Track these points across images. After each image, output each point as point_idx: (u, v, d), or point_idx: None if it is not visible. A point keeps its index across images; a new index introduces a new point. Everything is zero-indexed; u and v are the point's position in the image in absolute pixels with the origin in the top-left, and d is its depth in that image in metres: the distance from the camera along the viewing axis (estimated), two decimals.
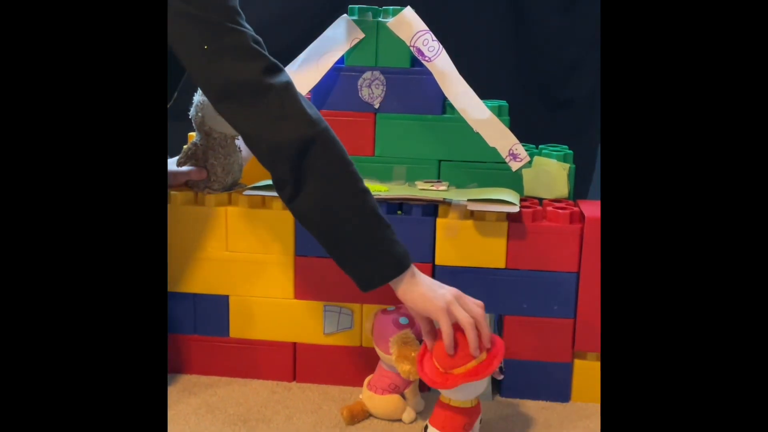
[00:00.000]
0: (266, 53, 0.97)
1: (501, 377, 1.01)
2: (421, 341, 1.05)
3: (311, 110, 0.97)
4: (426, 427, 1.01)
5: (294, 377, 1.22)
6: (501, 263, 1.14)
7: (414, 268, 0.99)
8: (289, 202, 0.98)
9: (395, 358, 1.04)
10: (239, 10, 0.97)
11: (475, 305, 0.98)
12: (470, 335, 0.95)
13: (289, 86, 0.97)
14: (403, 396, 1.10)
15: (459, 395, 0.99)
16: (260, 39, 0.97)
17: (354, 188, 0.97)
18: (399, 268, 0.98)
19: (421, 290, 0.98)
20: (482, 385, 0.99)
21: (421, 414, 1.11)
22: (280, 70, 0.97)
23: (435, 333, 1.00)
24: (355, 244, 0.97)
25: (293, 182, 0.95)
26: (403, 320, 1.08)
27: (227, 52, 0.94)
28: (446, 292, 0.98)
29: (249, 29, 0.97)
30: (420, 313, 0.99)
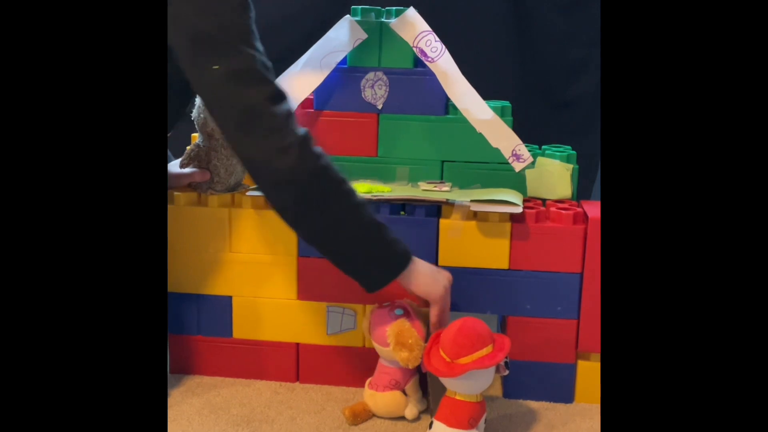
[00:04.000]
0: (273, 79, 0.97)
1: (506, 372, 1.02)
2: (427, 337, 1.05)
3: (309, 140, 0.98)
4: (431, 424, 1.01)
5: (297, 378, 1.22)
6: (504, 264, 1.14)
7: (414, 261, 1.05)
8: (294, 226, 1.01)
9: (393, 347, 1.05)
10: (254, 31, 0.97)
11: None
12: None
13: (291, 116, 0.97)
14: (405, 393, 1.10)
15: (464, 388, 1.00)
16: (270, 64, 0.98)
17: (351, 205, 1.00)
18: (401, 265, 1.03)
19: (422, 279, 1.05)
20: (487, 379, 1.00)
21: (423, 413, 1.11)
22: (283, 98, 0.98)
23: (442, 321, 1.06)
24: (360, 253, 1.02)
25: (296, 209, 0.98)
26: (398, 311, 1.08)
27: (235, 75, 0.94)
28: (443, 278, 1.07)
29: (260, 53, 0.97)
30: (423, 298, 1.07)
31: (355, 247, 1.01)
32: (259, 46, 0.98)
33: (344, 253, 1.02)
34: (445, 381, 1.01)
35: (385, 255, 1.02)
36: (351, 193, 1.01)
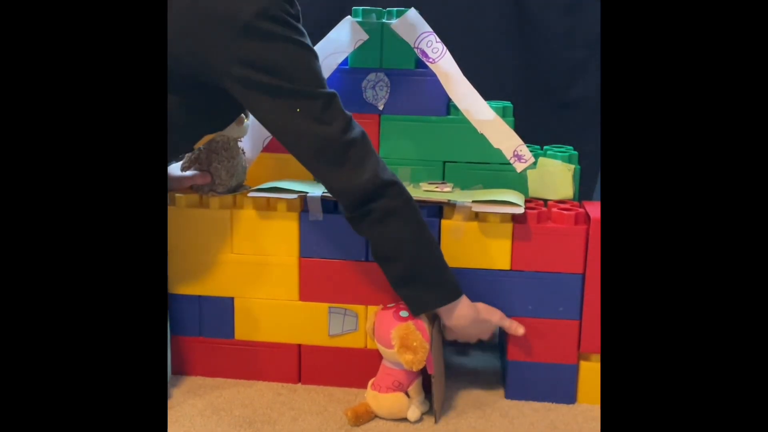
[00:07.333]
0: (342, 108, 1.03)
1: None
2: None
3: (380, 158, 1.05)
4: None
5: (299, 379, 1.22)
6: (506, 265, 1.14)
7: (462, 298, 1.09)
8: (368, 233, 1.06)
9: (397, 349, 1.05)
10: (320, 69, 1.03)
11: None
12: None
13: (365, 136, 1.04)
14: (407, 394, 1.10)
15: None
16: (336, 93, 1.03)
17: (421, 222, 1.06)
18: (453, 294, 1.08)
19: (462, 317, 1.10)
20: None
21: (425, 414, 1.11)
22: (353, 122, 1.04)
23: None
24: (420, 273, 1.06)
25: (371, 219, 1.03)
26: (403, 313, 1.08)
27: (314, 114, 1.00)
28: (485, 327, 1.13)
29: (328, 88, 1.03)
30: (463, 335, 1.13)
31: (417, 265, 1.05)
32: (325, 81, 1.04)
33: (406, 268, 1.05)
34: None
35: (441, 280, 1.07)
36: (419, 211, 1.06)
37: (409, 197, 1.05)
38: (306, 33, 1.03)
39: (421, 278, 1.06)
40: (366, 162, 1.02)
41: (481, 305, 1.11)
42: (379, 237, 1.05)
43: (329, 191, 1.06)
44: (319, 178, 1.05)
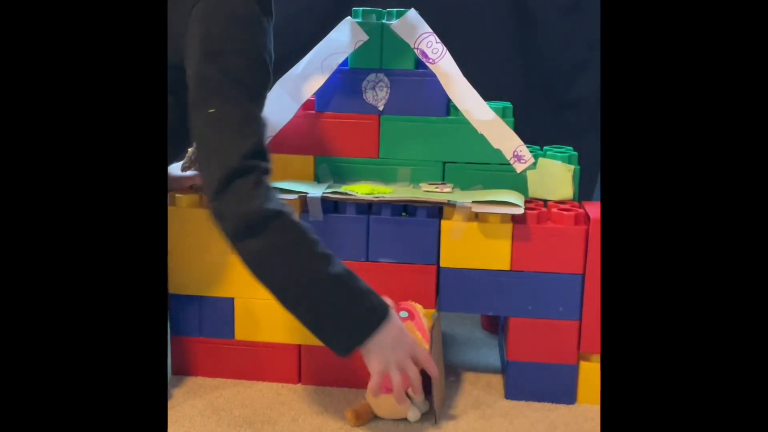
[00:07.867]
0: (261, 133, 0.97)
1: None
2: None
3: (276, 194, 0.97)
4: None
5: (299, 379, 1.22)
6: (506, 265, 1.14)
7: (389, 320, 0.99)
8: (260, 275, 0.97)
9: None
10: (260, 89, 0.98)
11: (413, 372, 1.00)
12: (395, 394, 1.01)
13: (268, 174, 0.96)
14: (407, 395, 1.10)
15: None
16: (262, 118, 0.98)
17: (320, 251, 0.96)
18: (381, 314, 0.98)
19: (372, 348, 0.99)
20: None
21: (425, 414, 1.11)
22: (267, 155, 0.97)
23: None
24: (330, 306, 0.96)
25: (261, 255, 0.95)
26: (403, 314, 1.08)
27: (227, 122, 0.95)
28: (392, 357, 1.00)
29: (259, 106, 0.98)
30: None
31: (324, 300, 0.96)
32: (262, 103, 0.98)
33: (312, 305, 0.97)
34: None
35: (360, 310, 0.97)
36: (318, 241, 0.97)
37: (298, 233, 0.95)
38: (270, 36, 1.00)
39: (334, 317, 0.96)
40: (257, 191, 0.94)
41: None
42: (274, 279, 0.96)
43: (210, 210, 0.97)
44: (204, 186, 0.97)
